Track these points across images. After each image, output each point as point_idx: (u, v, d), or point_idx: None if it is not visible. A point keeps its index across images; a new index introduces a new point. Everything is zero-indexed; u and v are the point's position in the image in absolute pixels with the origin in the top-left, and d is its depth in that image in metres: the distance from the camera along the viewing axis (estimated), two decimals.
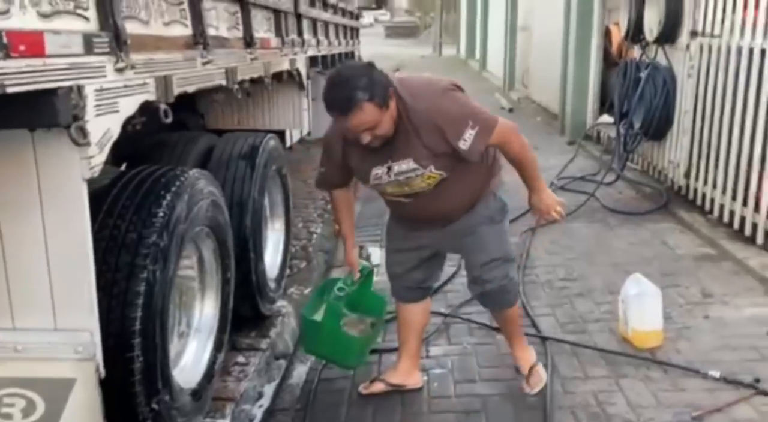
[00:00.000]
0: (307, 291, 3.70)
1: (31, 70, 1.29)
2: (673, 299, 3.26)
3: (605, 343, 2.87)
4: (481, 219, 2.33)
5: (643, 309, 2.83)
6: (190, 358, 2.38)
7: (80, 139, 1.44)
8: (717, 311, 3.18)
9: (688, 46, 4.77)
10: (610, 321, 3.03)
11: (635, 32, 5.38)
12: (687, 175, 4.82)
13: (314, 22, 4.88)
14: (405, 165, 2.14)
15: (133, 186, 2.01)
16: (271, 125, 4.12)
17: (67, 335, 1.58)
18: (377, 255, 4.16)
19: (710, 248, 4.02)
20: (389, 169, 2.16)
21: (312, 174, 6.67)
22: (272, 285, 3.28)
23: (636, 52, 5.58)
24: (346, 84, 1.99)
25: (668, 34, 4.97)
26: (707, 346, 2.84)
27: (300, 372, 2.84)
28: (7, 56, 1.21)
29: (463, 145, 2.09)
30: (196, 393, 2.26)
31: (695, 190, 4.68)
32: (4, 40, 1.21)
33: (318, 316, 2.55)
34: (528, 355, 2.63)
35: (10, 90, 1.23)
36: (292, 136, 4.58)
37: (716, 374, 2.56)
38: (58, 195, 1.51)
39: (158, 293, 1.90)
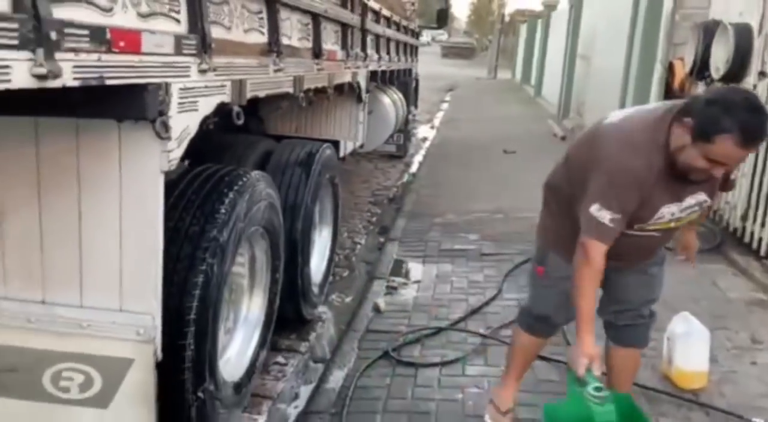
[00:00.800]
0: (348, 299, 3.75)
1: (127, 66, 1.38)
2: (721, 342, 3.18)
3: (647, 380, 2.81)
4: (657, 258, 2.32)
5: (689, 348, 2.77)
6: (234, 353, 2.46)
7: (163, 132, 1.53)
8: (765, 358, 3.09)
9: (755, 87, 4.68)
10: (654, 358, 2.97)
11: (701, 69, 5.32)
12: (744, 218, 4.70)
13: (377, 37, 4.98)
14: (697, 198, 2.05)
15: (199, 182, 2.11)
16: (327, 135, 4.21)
17: (130, 316, 1.66)
18: (418, 271, 4.21)
19: (763, 294, 3.91)
20: (694, 201, 2.06)
21: (361, 186, 6.81)
22: (315, 290, 3.35)
23: (700, 89, 5.50)
24: (765, 112, 1.82)
25: (735, 73, 4.90)
26: (753, 392, 2.77)
27: (337, 377, 2.87)
28: (109, 51, 1.30)
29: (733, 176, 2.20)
30: (238, 387, 2.33)
31: (752, 233, 4.56)
32: (108, 35, 1.30)
33: None
34: None
35: (108, 82, 1.32)
36: (346, 147, 4.66)
37: (760, 421, 2.49)
38: (137, 183, 1.60)
39: (214, 286, 1.98)
